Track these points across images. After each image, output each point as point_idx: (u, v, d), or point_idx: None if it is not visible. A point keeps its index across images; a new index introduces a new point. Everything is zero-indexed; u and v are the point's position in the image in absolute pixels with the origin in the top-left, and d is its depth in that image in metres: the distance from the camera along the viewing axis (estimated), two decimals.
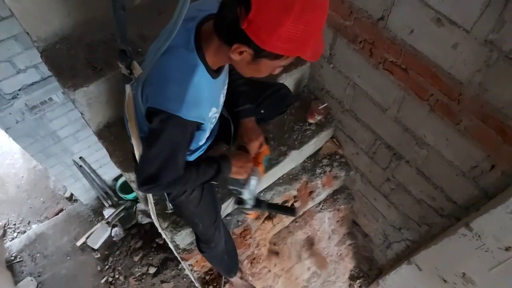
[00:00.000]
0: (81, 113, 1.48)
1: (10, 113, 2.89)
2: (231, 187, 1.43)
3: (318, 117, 1.99)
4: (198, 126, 1.07)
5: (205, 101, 1.03)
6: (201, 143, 1.29)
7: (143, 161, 1.04)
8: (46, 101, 3.02)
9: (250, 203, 1.48)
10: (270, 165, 1.87)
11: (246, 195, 1.43)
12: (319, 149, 2.19)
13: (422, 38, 1.25)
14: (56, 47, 1.43)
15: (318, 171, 2.14)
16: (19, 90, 2.80)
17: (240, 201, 1.48)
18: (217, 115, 1.21)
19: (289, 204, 2.15)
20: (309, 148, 2.06)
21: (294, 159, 2.02)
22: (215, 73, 1.04)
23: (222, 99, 1.24)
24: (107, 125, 1.60)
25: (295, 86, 2.05)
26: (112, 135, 1.59)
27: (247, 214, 1.66)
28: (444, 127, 1.36)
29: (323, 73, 1.90)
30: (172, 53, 0.95)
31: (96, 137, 1.61)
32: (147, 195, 1.47)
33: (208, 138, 1.38)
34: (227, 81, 1.25)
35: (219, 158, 1.25)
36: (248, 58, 0.91)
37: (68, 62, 1.38)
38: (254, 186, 1.44)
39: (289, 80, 1.91)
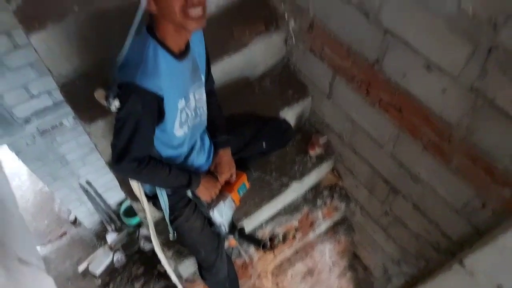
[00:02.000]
0: (95, 144, 1.56)
1: (22, 137, 2.98)
2: (201, 209, 1.53)
3: (319, 150, 2.07)
4: (160, 104, 1.13)
5: (165, 74, 1.12)
6: (181, 145, 1.33)
7: (114, 136, 1.15)
8: (57, 125, 3.11)
9: (222, 228, 1.56)
10: (271, 195, 1.93)
11: (216, 219, 1.52)
12: (320, 181, 2.25)
13: (414, 82, 1.33)
14: (75, 83, 1.53)
15: (319, 202, 2.19)
16: (32, 114, 2.88)
17: (211, 224, 1.57)
18: (189, 113, 1.27)
19: (290, 235, 2.19)
20: (310, 179, 2.11)
21: (295, 190, 2.08)
22: (178, 55, 1.15)
23: (195, 98, 1.30)
24: None
25: (297, 120, 2.13)
26: None
27: (228, 240, 1.71)
28: (437, 165, 1.42)
29: (324, 108, 1.99)
30: (132, 41, 1.09)
31: (108, 166, 1.68)
32: (151, 231, 1.53)
33: (199, 156, 1.45)
34: (201, 83, 1.33)
35: (191, 172, 1.37)
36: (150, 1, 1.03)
37: (85, 96, 1.47)
38: (225, 212, 1.52)
39: (290, 114, 2.00)
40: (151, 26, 1.12)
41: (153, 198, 1.48)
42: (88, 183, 3.57)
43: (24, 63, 2.56)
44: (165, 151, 1.32)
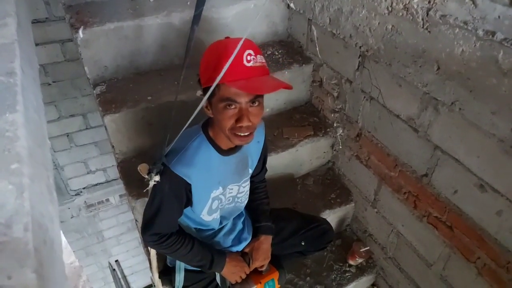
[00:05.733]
0: (136, 220, 1.61)
1: (69, 208, 3.14)
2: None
3: (359, 260, 1.94)
4: (188, 190, 1.20)
5: (200, 166, 1.19)
6: (209, 226, 1.39)
7: (145, 208, 1.25)
8: (103, 201, 3.27)
9: None
10: None
11: None
12: None
13: (466, 199, 1.28)
14: (132, 160, 1.66)
15: None
16: (84, 188, 3.09)
17: None
18: (223, 199, 1.34)
19: None
20: None
21: None
22: (223, 151, 1.24)
23: (238, 191, 1.37)
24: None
25: (338, 224, 2.07)
26: None
27: None
28: None
29: (367, 216, 1.93)
30: (184, 131, 1.16)
31: (142, 244, 1.69)
32: None
33: (232, 238, 1.47)
34: (246, 178, 1.39)
35: (215, 252, 1.38)
36: (208, 107, 1.12)
37: (138, 174, 1.57)
38: None
39: (332, 217, 1.95)
40: (207, 122, 1.25)
41: (172, 273, 1.47)
42: (117, 262, 3.55)
43: (89, 142, 2.84)
44: (194, 225, 1.39)
